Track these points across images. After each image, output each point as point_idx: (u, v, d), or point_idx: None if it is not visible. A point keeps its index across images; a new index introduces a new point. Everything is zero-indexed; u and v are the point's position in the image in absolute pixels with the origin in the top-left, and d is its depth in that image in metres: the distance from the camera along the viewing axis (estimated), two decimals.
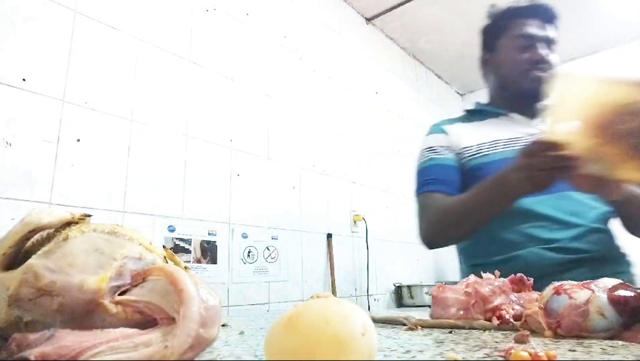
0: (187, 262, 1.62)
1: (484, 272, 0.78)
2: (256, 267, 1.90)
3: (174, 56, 1.76)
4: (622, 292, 0.53)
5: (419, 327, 0.70)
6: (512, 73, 1.27)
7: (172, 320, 0.44)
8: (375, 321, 0.78)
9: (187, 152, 1.72)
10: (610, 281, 0.57)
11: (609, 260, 1.14)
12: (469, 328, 0.68)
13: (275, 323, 0.36)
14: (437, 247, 1.27)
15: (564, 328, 0.54)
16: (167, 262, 0.54)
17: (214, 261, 1.73)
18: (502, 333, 0.62)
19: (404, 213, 3.02)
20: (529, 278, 0.77)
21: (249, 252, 1.88)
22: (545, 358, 0.40)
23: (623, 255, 1.21)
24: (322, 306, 0.35)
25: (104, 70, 1.51)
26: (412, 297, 2.63)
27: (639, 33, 3.57)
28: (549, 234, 1.12)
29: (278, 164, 2.12)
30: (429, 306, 0.77)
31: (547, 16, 1.31)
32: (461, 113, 1.45)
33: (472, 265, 1.26)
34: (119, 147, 1.50)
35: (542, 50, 1.26)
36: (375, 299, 2.55)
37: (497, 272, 0.79)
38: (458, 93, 4.46)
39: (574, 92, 0.79)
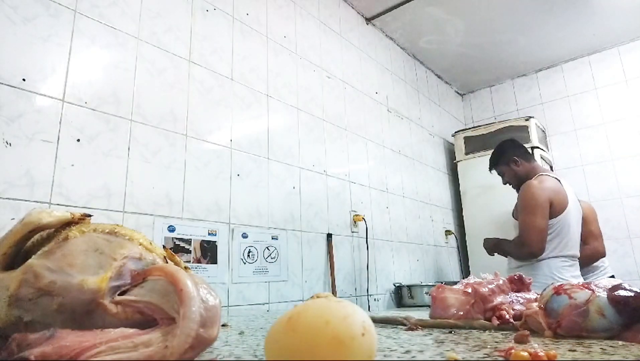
0: (187, 262, 1.62)
1: None
2: (256, 267, 1.90)
3: (174, 56, 1.76)
4: (622, 292, 0.53)
5: (419, 327, 0.70)
6: None
7: (172, 320, 0.44)
8: (375, 321, 0.78)
9: (187, 152, 1.72)
10: (610, 282, 0.57)
11: None
12: (469, 328, 0.68)
13: (275, 323, 0.36)
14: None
15: (564, 328, 0.54)
16: (167, 262, 0.54)
17: (214, 261, 1.73)
18: (502, 333, 0.62)
19: (404, 213, 3.02)
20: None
21: (249, 252, 1.88)
22: (545, 358, 0.40)
23: None
24: (322, 306, 0.35)
25: (104, 70, 1.52)
26: (412, 297, 2.63)
27: (639, 33, 3.57)
28: None
29: (278, 164, 2.12)
30: (429, 306, 0.77)
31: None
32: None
33: None
34: (119, 147, 1.50)
35: None
36: (375, 299, 2.55)
37: (496, 272, 0.79)
38: (458, 93, 4.46)
39: None
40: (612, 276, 2.32)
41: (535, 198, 2.00)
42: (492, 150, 2.38)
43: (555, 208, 2.01)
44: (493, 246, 2.31)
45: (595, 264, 2.39)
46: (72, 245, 0.48)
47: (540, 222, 1.96)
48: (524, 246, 2.00)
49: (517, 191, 2.20)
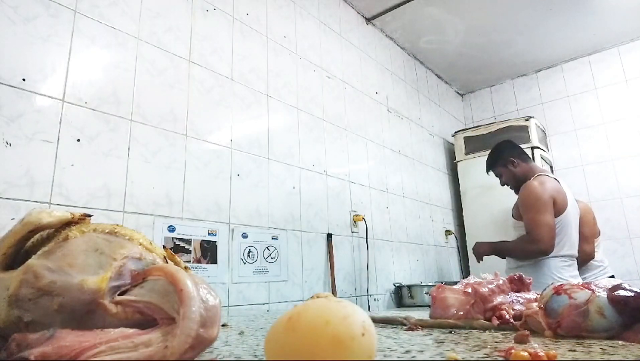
0: (187, 262, 1.62)
1: None
2: (256, 267, 1.90)
3: (174, 56, 1.76)
4: (622, 292, 0.53)
5: (419, 327, 0.70)
6: None
7: (172, 320, 0.44)
8: (375, 321, 0.78)
9: (187, 152, 1.72)
10: (610, 282, 0.57)
11: None
12: (469, 328, 0.68)
13: (275, 323, 0.36)
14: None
15: (564, 328, 0.54)
16: (167, 262, 0.54)
17: (214, 261, 1.73)
18: (502, 333, 0.62)
19: (404, 213, 3.02)
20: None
21: (249, 252, 1.88)
22: (545, 358, 0.40)
23: None
24: (322, 306, 0.35)
25: (104, 70, 1.52)
26: (412, 297, 2.63)
27: (639, 33, 3.57)
28: None
29: (278, 164, 2.12)
30: (429, 306, 0.77)
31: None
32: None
33: None
34: (119, 147, 1.50)
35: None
36: (375, 299, 2.55)
37: (496, 272, 0.79)
38: (458, 93, 4.46)
39: None
40: (612, 276, 2.31)
41: (540, 196, 2.00)
42: (489, 152, 2.37)
43: (557, 208, 2.01)
44: (488, 249, 2.24)
45: (595, 264, 2.38)
46: (72, 245, 0.48)
47: (549, 218, 1.96)
48: (534, 243, 1.96)
49: (516, 192, 2.19)
